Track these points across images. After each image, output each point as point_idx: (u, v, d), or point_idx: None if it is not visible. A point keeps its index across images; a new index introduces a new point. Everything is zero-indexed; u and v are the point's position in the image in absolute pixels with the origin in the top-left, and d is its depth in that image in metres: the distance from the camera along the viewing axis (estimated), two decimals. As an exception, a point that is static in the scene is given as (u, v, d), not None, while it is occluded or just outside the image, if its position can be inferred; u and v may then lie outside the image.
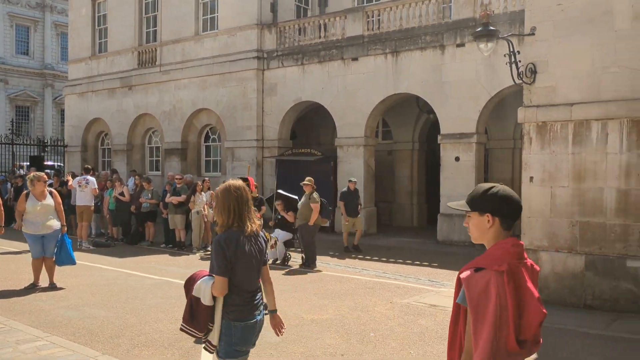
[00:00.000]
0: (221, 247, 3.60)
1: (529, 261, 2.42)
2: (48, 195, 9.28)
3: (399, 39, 16.17)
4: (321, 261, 12.34)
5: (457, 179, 15.08)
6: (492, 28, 8.67)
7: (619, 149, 7.90)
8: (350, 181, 14.35)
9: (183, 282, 3.93)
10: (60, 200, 9.48)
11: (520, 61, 8.62)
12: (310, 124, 22.08)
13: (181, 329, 3.81)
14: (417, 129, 19.64)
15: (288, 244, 12.21)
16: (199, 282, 3.71)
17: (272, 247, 9.01)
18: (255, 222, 3.78)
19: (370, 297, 8.76)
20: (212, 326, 3.67)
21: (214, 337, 3.68)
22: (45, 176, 9.56)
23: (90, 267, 11.43)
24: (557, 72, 8.35)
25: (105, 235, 16.33)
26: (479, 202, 2.43)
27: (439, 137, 15.59)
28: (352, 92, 17.23)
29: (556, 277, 8.35)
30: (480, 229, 2.44)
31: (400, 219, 19.77)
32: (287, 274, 10.88)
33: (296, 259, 12.16)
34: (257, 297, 3.82)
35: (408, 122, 19.58)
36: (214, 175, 21.08)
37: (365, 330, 6.92)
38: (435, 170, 16.43)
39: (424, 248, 14.53)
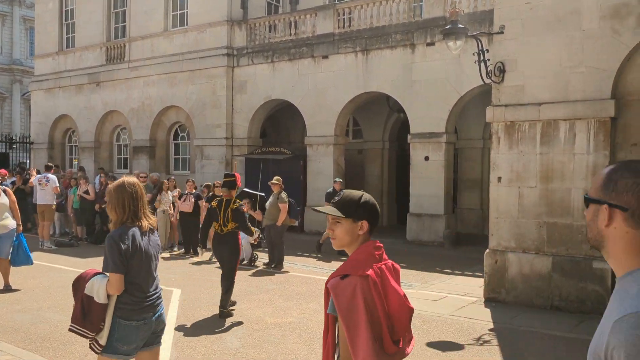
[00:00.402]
0: (116, 243, 3.54)
1: (390, 262, 2.49)
2: (2, 194, 8.88)
3: (370, 37, 16.05)
4: (289, 261, 12.13)
5: (427, 178, 15.02)
6: (461, 26, 8.58)
7: (586, 149, 7.87)
8: (335, 181, 13.75)
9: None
10: (14, 199, 9.08)
11: (489, 60, 8.54)
12: (281, 122, 21.84)
13: (70, 330, 3.70)
14: (388, 128, 19.56)
15: (255, 244, 11.95)
16: (91, 280, 3.64)
17: (255, 240, 8.65)
18: (150, 219, 3.76)
19: (336, 299, 8.57)
20: (104, 325, 3.61)
21: (102, 336, 3.61)
22: (-4, 173, 9.16)
23: (50, 268, 11.02)
24: (526, 71, 8.28)
25: (69, 234, 15.85)
26: (354, 210, 2.44)
27: (409, 137, 15.52)
28: (322, 91, 17.06)
29: (523, 278, 8.29)
30: (352, 235, 2.46)
31: (371, 218, 19.62)
32: (254, 274, 10.65)
33: (264, 258, 11.93)
34: (152, 298, 3.70)
35: (378, 121, 19.48)
36: (183, 174, 20.67)
37: (329, 334, 6.73)
38: (406, 169, 16.36)
39: (393, 248, 14.35)
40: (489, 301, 8.53)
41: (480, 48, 8.49)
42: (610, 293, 7.86)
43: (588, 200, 1.57)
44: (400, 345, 2.35)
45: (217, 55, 19.14)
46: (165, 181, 13.52)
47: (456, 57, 14.65)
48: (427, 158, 15.12)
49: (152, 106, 20.99)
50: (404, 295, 2.41)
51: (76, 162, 23.95)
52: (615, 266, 1.56)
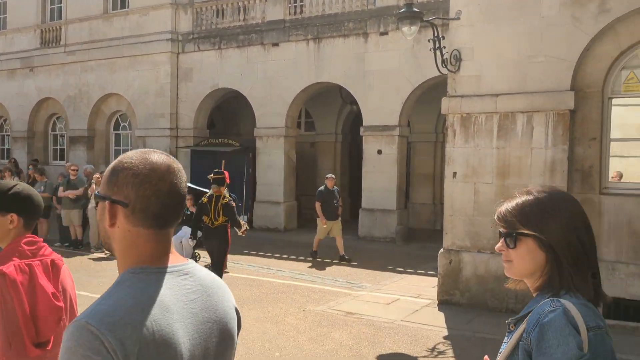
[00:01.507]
0: None
1: (50, 258, 2.37)
2: None
3: (322, 24, 15.39)
4: (233, 261, 11.39)
5: (380, 172, 14.53)
6: (416, 10, 8.02)
7: (544, 143, 7.46)
8: (327, 178, 12.14)
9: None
10: None
11: (444, 47, 8.02)
12: (230, 113, 20.96)
13: None
14: (341, 120, 18.99)
15: (197, 243, 11.15)
16: None
17: (243, 232, 8.60)
18: None
19: (281, 305, 7.93)
20: None
21: None
22: None
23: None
24: (483, 60, 7.80)
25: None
26: (2, 201, 2.30)
27: (362, 129, 14.98)
28: (273, 80, 16.31)
29: (478, 279, 7.85)
30: (3, 229, 2.30)
31: (323, 213, 19.05)
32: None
33: (206, 258, 11.14)
34: None
35: (331, 113, 18.88)
36: (125, 166, 19.59)
37: (270, 349, 6.08)
38: (360, 163, 15.83)
39: (344, 245, 13.84)
40: (443, 304, 8.06)
41: (435, 35, 7.95)
42: (567, 295, 7.51)
43: (98, 197, 1.40)
44: (49, 348, 2.22)
45: (160, 40, 18.08)
46: (97, 174, 12.50)
47: (410, 47, 14.21)
48: (380, 152, 14.62)
49: (91, 93, 19.74)
50: (53, 293, 2.28)
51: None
52: (119, 268, 1.40)
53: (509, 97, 7.63)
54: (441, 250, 8.21)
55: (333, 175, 12.41)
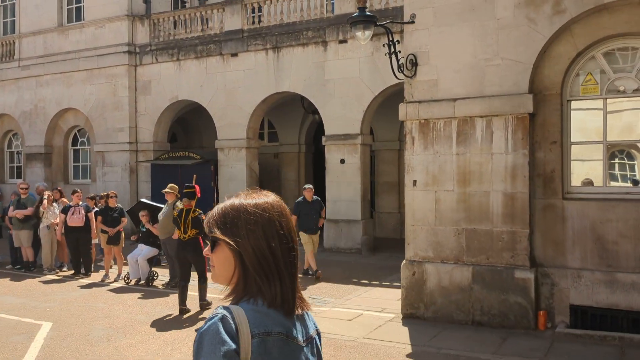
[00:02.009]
0: None
1: None
2: None
3: (280, 34, 15.10)
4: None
5: (343, 182, 14.25)
6: (369, 14, 7.77)
7: (504, 148, 7.25)
8: (305, 189, 11.17)
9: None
10: None
11: (399, 52, 7.78)
12: (192, 125, 20.50)
13: None
14: (304, 130, 18.69)
15: (154, 261, 10.68)
16: None
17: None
18: None
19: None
20: None
21: None
22: None
23: None
24: (439, 64, 7.58)
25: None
26: None
27: (324, 139, 14.69)
28: (232, 91, 15.94)
29: (443, 291, 7.57)
30: None
31: (289, 225, 18.67)
32: (146, 296, 9.37)
33: (165, 276, 10.68)
34: None
35: (294, 123, 18.57)
36: (84, 183, 18.94)
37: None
38: (323, 173, 15.53)
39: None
40: (408, 318, 7.76)
41: (390, 39, 7.71)
42: (534, 305, 7.30)
43: None
44: None
45: (117, 52, 17.57)
46: (49, 192, 11.92)
47: (369, 54, 14.02)
48: (342, 161, 14.35)
49: (47, 109, 19.07)
50: None
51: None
52: None
53: (467, 102, 7.41)
54: (404, 261, 7.92)
55: (311, 186, 11.26)
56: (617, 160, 7.42)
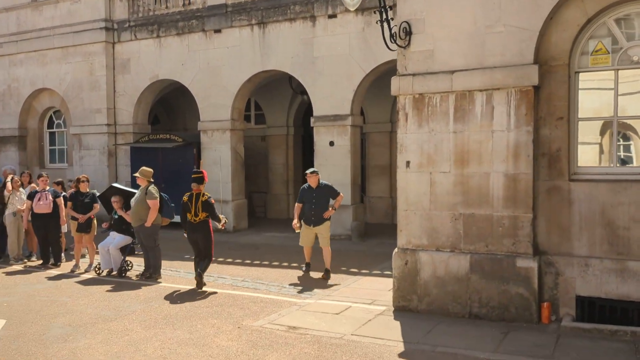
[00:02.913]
0: None
1: None
2: None
3: (266, 8, 14.29)
4: (170, 268, 10.26)
5: (332, 165, 13.55)
6: (357, -24, 7.03)
7: (506, 125, 6.58)
8: (309, 173, 9.69)
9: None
10: None
11: (392, 19, 7.06)
12: (175, 107, 19.68)
13: None
14: (292, 112, 17.92)
15: (128, 250, 9.96)
16: None
17: (222, 225, 9.21)
18: None
19: (214, 321, 6.85)
20: None
21: None
22: None
23: None
24: (436, 32, 6.87)
25: None
26: None
27: (312, 120, 13.97)
28: (216, 69, 15.14)
29: (438, 281, 6.93)
30: None
31: (276, 210, 18.02)
32: (115, 289, 8.65)
33: (141, 265, 9.97)
34: None
35: (282, 104, 17.80)
36: (61, 167, 18.14)
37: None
38: (312, 156, 14.82)
39: (296, 244, 12.81)
40: (400, 311, 7.12)
41: (382, 4, 6.98)
42: (537, 296, 6.69)
43: None
44: None
45: (94, 29, 16.66)
46: (16, 177, 11.13)
47: (360, 30, 13.26)
48: (332, 143, 13.64)
49: (21, 89, 18.17)
50: None
51: None
52: None
53: (466, 74, 6.72)
54: (396, 249, 7.27)
55: (315, 170, 9.84)
56: (621, 141, 6.77)
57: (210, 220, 8.89)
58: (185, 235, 8.93)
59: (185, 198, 8.86)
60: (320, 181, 9.73)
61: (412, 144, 7.10)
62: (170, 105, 19.67)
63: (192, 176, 9.01)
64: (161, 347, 5.85)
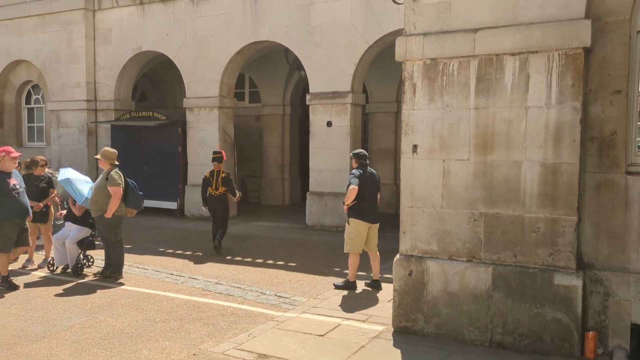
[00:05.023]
0: None
1: None
2: None
3: (259, -30, 12.70)
4: (138, 264, 8.86)
5: (330, 148, 12.07)
6: None
7: (545, 100, 5.05)
8: (355, 155, 7.57)
9: None
10: None
11: (398, -38, 5.51)
12: (163, 82, 18.17)
13: None
14: (289, 90, 16.38)
15: (87, 244, 8.52)
16: None
17: (237, 199, 10.33)
18: None
19: (165, 343, 5.42)
20: None
21: None
22: None
23: None
24: (454, -22, 5.32)
25: None
26: None
27: (308, 97, 12.46)
28: (203, 39, 13.62)
29: (450, 299, 5.46)
30: None
31: (271, 196, 16.57)
32: (63, 293, 7.23)
33: (101, 259, 8.55)
34: None
35: (277, 81, 16.25)
36: (39, 146, 16.74)
37: None
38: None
39: (287, 236, 11.41)
40: (401, 333, 5.67)
41: (385, -58, 5.42)
42: (580, 323, 5.22)
43: None
44: None
45: (72, -5, 15.16)
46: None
47: (364, -5, 11.66)
48: (329, 123, 12.14)
49: (-4, 61, 16.73)
50: None
51: None
52: None
53: (493, 33, 5.18)
54: (397, 256, 5.80)
55: (363, 152, 7.67)
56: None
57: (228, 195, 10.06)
58: (204, 208, 10.25)
59: (207, 174, 10.10)
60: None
61: (420, 123, 5.59)
62: (158, 80, 18.18)
63: (213, 156, 10.15)
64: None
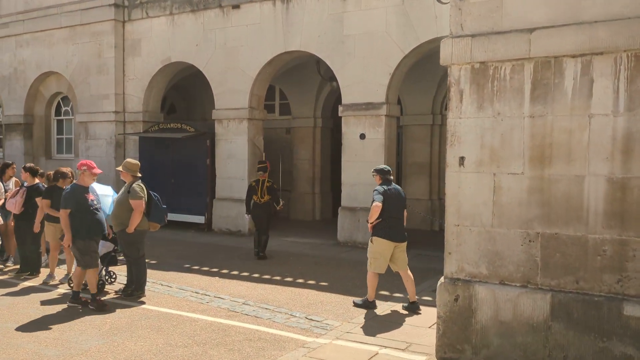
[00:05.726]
0: None
1: None
2: None
3: (290, -21, 12.39)
4: (162, 281, 8.48)
5: (363, 162, 11.56)
6: None
7: (612, 107, 4.50)
8: (378, 172, 7.34)
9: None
10: None
11: (444, -44, 5.05)
12: (193, 94, 17.96)
13: None
14: (320, 102, 15.98)
15: (109, 260, 8.17)
16: None
17: (280, 207, 10.76)
18: None
19: (186, 369, 4.98)
20: None
21: None
22: None
23: None
24: (508, -28, 4.82)
25: None
26: None
27: (340, 108, 12.01)
28: (233, 50, 13.33)
29: (502, 328, 4.90)
30: None
31: (300, 211, 16.12)
32: (82, 312, 6.87)
33: (123, 279, 8.18)
34: None
35: (308, 93, 15.87)
36: (68, 158, 16.63)
37: None
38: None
39: (318, 254, 10.93)
40: (445, 365, 5.13)
41: None
42: (653, 360, 4.52)
43: None
44: None
45: (102, 6, 15.06)
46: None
47: (399, 2, 11.22)
48: (362, 136, 11.66)
49: (27, 72, 16.75)
50: None
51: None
52: None
53: (552, 33, 4.66)
54: (442, 279, 5.26)
55: (387, 167, 7.50)
56: None
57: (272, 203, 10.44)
58: (247, 216, 10.95)
59: (252, 183, 10.59)
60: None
61: (468, 132, 5.08)
62: (188, 92, 17.99)
63: (258, 165, 10.77)
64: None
